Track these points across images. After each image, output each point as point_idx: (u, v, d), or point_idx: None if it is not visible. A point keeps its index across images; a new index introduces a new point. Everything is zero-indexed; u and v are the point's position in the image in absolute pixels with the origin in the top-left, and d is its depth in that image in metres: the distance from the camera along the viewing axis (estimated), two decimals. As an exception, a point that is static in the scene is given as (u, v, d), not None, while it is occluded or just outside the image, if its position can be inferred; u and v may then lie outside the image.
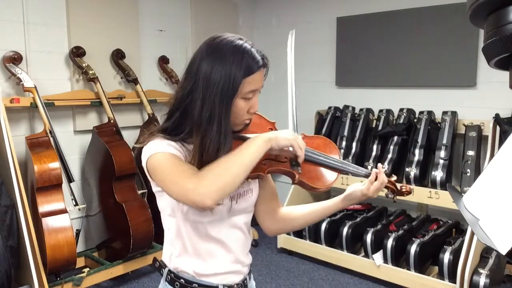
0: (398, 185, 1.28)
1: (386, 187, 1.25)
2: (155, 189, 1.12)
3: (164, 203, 1.14)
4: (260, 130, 1.16)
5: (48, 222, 2.69)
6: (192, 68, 1.05)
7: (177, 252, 1.15)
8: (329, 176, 1.19)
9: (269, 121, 1.24)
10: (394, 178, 1.29)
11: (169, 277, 1.16)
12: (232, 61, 1.01)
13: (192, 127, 1.05)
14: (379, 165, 1.27)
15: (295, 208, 1.30)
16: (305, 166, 1.16)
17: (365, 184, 1.23)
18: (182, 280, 1.14)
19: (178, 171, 0.98)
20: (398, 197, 1.29)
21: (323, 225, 3.42)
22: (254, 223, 1.28)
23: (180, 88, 1.07)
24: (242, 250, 1.21)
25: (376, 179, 1.21)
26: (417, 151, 3.23)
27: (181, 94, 1.06)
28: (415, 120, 3.43)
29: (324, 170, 1.19)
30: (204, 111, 1.02)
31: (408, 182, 3.18)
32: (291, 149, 1.07)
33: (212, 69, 1.01)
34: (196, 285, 1.13)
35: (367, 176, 1.24)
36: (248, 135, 1.13)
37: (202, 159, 1.02)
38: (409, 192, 1.28)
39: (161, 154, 1.01)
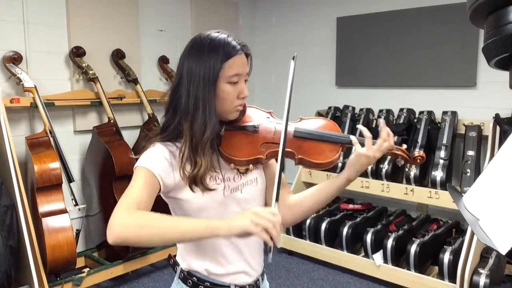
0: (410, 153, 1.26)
1: (396, 155, 1.24)
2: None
3: (169, 204, 1.18)
4: (257, 119, 1.20)
5: (48, 222, 2.69)
6: (178, 67, 1.15)
7: (187, 251, 1.18)
8: (331, 150, 1.19)
9: (266, 111, 1.25)
10: (404, 146, 1.27)
11: (182, 274, 1.19)
12: (210, 51, 1.09)
13: (181, 117, 1.11)
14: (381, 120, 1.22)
15: (301, 192, 1.29)
16: (305, 144, 1.18)
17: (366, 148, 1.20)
18: (194, 278, 1.17)
19: (131, 193, 1.02)
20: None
21: (323, 225, 3.42)
22: None
23: (170, 87, 1.17)
24: (253, 253, 1.21)
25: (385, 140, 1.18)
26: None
27: (171, 92, 1.15)
28: (415, 120, 3.42)
29: (324, 146, 1.19)
30: (189, 99, 1.10)
31: (408, 182, 3.18)
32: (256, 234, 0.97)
33: (193, 63, 1.10)
34: (208, 283, 1.16)
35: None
36: (243, 125, 1.17)
37: (192, 145, 1.09)
38: (422, 158, 1.25)
39: (140, 169, 1.07)
